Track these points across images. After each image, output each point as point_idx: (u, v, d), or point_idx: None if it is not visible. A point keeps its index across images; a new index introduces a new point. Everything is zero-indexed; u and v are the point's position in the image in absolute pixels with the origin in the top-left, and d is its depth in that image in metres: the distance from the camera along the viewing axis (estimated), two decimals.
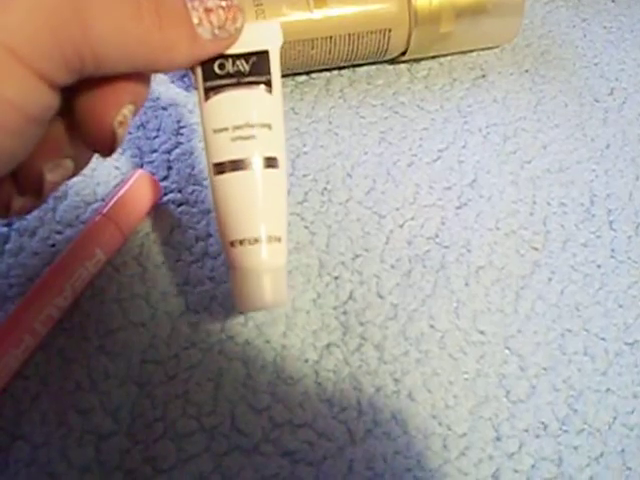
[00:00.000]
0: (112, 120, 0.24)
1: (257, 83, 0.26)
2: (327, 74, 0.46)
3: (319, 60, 0.43)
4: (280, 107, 0.27)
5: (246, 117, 0.26)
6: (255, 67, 0.26)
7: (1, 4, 0.19)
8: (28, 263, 0.36)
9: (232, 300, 0.28)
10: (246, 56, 0.26)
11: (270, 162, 0.27)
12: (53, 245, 0.36)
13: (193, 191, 0.39)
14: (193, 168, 0.40)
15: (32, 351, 0.32)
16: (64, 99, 0.23)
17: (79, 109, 0.24)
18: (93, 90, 0.24)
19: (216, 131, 0.26)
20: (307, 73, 0.46)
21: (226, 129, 0.26)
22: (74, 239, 0.35)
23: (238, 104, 0.26)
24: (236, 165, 0.26)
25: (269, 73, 0.27)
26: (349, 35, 0.42)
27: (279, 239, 0.27)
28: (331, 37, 0.42)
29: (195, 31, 0.24)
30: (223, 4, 0.24)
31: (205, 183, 0.39)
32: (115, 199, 0.36)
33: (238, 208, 0.27)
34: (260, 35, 0.26)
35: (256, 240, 0.27)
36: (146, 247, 0.37)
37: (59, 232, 0.37)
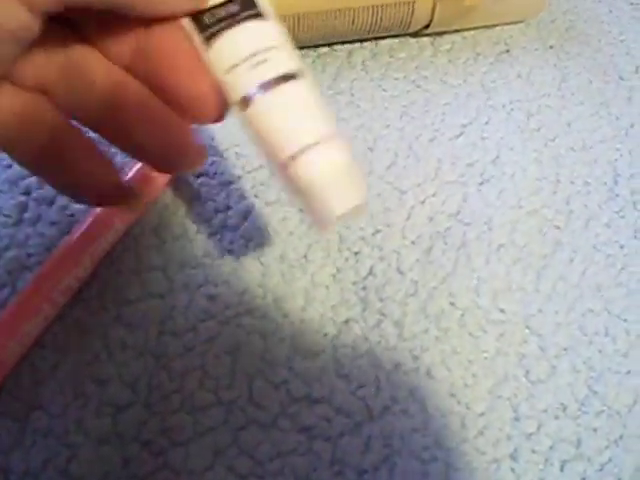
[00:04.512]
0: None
1: (250, 17, 0.26)
2: (349, 46, 0.45)
3: (342, 31, 0.42)
4: (279, 28, 0.26)
5: (251, 48, 0.25)
6: (244, 4, 0.26)
7: None
8: (46, 232, 0.35)
9: (312, 224, 0.26)
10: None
11: (289, 77, 0.26)
12: (72, 215, 0.36)
13: (213, 162, 0.39)
14: (213, 139, 0.39)
15: (50, 321, 0.32)
16: None
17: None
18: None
19: (227, 70, 0.26)
20: (329, 45, 0.45)
21: (236, 65, 0.25)
22: (93, 209, 0.35)
23: (239, 40, 0.26)
24: (257, 92, 0.25)
25: (258, 5, 0.26)
26: (373, 6, 0.41)
27: (332, 137, 0.25)
28: (354, 8, 0.41)
29: None
30: None
31: (225, 155, 0.39)
32: (134, 169, 0.36)
33: (273, 130, 0.25)
34: None
35: (302, 151, 0.24)
36: (164, 218, 0.37)
37: None
